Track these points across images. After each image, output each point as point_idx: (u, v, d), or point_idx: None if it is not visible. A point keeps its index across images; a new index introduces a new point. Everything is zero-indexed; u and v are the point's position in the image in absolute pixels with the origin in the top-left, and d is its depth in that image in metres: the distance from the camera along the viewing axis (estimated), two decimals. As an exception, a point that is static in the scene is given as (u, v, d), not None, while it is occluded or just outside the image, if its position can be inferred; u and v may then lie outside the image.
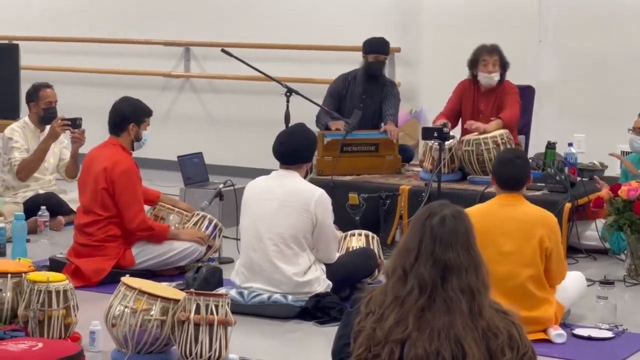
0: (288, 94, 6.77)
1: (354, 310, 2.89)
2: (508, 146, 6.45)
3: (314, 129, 6.45)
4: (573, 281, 5.06)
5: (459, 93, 6.99)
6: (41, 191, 6.93)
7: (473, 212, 4.77)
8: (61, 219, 6.84)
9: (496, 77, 6.81)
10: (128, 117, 5.70)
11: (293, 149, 5.17)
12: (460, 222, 2.82)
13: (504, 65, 6.83)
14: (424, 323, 2.73)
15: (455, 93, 7.01)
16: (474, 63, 6.86)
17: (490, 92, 6.87)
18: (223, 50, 7.04)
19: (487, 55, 6.79)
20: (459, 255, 2.78)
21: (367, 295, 2.86)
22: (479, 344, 2.72)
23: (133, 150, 5.78)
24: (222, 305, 4.15)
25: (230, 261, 5.93)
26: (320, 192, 5.10)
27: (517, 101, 6.84)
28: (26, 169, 6.85)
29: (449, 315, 2.74)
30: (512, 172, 4.80)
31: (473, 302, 2.75)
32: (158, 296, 4.27)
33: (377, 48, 7.24)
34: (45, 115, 6.98)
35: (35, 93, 7.03)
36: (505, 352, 2.73)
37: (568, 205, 6.20)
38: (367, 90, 7.26)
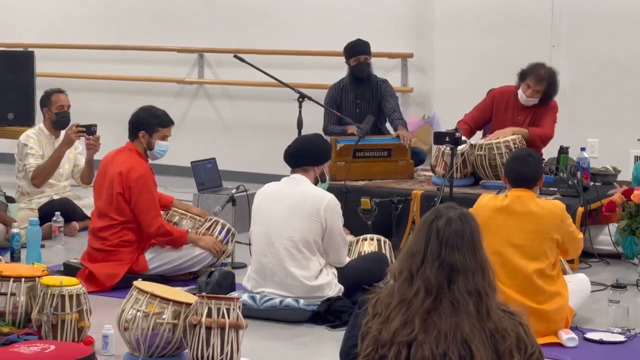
0: (300, 99, 6.80)
1: (361, 312, 2.90)
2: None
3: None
4: (584, 285, 5.08)
5: (490, 103, 6.94)
6: (56, 197, 6.96)
7: (485, 201, 4.82)
8: (75, 224, 6.88)
9: (533, 101, 6.76)
10: (139, 124, 5.72)
11: (300, 151, 5.21)
12: (466, 224, 2.83)
13: (549, 94, 6.74)
14: (430, 325, 2.74)
15: (485, 102, 6.97)
16: (522, 77, 6.77)
17: (530, 106, 6.84)
18: (236, 56, 7.08)
19: (533, 82, 6.70)
20: (465, 257, 2.79)
21: (374, 296, 2.87)
22: (486, 345, 2.72)
23: (147, 157, 5.80)
24: (233, 309, 4.16)
25: (243, 266, 5.96)
26: (330, 197, 5.13)
27: (554, 119, 6.83)
28: (41, 175, 6.89)
29: (455, 317, 2.75)
30: (523, 169, 4.83)
31: (480, 303, 2.76)
32: (170, 300, 4.29)
33: (356, 50, 7.25)
34: (58, 120, 7.03)
35: (47, 98, 7.08)
36: (514, 354, 2.73)
37: (581, 209, 6.20)
38: (359, 95, 7.28)
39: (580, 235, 4.98)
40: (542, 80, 6.72)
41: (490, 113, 6.94)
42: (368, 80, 7.27)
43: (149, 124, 5.71)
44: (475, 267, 2.79)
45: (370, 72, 7.28)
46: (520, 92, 6.77)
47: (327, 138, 6.92)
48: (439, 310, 2.75)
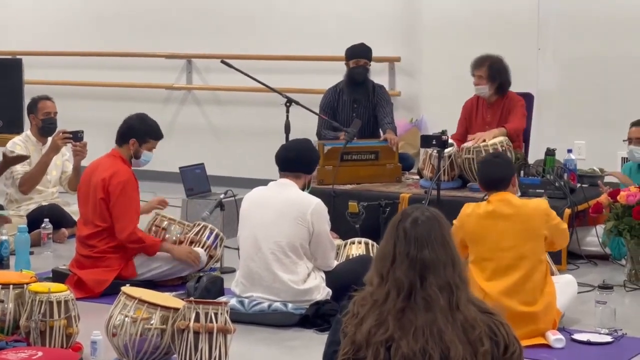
0: (288, 104, 6.82)
1: (343, 313, 2.92)
2: (508, 153, 6.48)
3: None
4: (571, 286, 5.10)
5: (464, 113, 7.08)
6: (44, 203, 6.96)
7: (470, 210, 4.86)
8: (64, 231, 6.87)
9: (484, 89, 6.86)
10: (132, 131, 5.73)
11: (295, 157, 5.23)
12: (434, 221, 2.84)
13: (494, 76, 6.84)
14: (406, 323, 2.76)
15: (461, 114, 7.10)
16: (472, 73, 6.91)
17: (495, 103, 6.93)
18: (223, 62, 7.10)
19: (474, 70, 6.87)
20: (435, 251, 2.80)
21: (356, 295, 2.89)
22: (460, 338, 2.74)
23: (131, 164, 5.79)
24: (221, 313, 4.17)
25: (232, 271, 5.96)
26: (316, 202, 5.14)
27: (524, 113, 6.90)
28: (28, 182, 6.89)
29: (430, 312, 2.76)
30: (492, 171, 4.89)
31: (452, 297, 2.78)
32: (158, 305, 4.30)
33: (356, 53, 7.29)
34: (44, 126, 7.03)
35: (34, 105, 7.09)
36: (484, 342, 2.74)
37: (568, 211, 6.23)
38: (356, 98, 7.32)
39: (565, 226, 5.03)
40: (479, 63, 6.84)
41: (467, 123, 7.04)
42: (364, 84, 7.31)
43: (141, 133, 5.72)
44: (445, 260, 2.80)
45: (367, 77, 7.33)
46: (475, 89, 6.91)
47: (316, 143, 6.98)
48: (412, 308, 2.77)
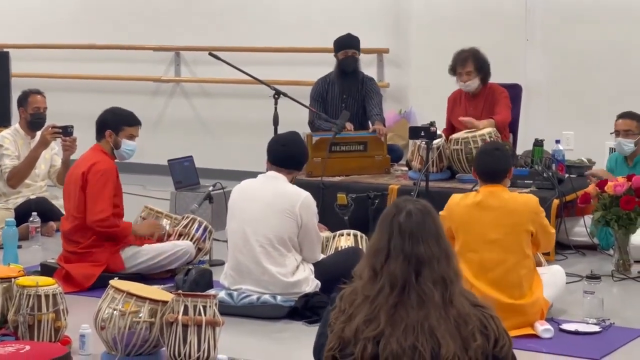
0: (276, 96, 6.81)
1: (333, 306, 2.91)
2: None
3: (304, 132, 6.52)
4: (559, 277, 5.12)
5: (449, 105, 7.08)
6: (32, 197, 6.94)
7: (457, 200, 4.86)
8: (53, 224, 6.86)
9: (472, 84, 6.86)
10: (105, 124, 5.73)
11: (291, 154, 5.23)
12: (427, 215, 2.84)
13: (480, 69, 6.83)
14: (397, 319, 2.74)
15: (447, 107, 7.10)
16: (453, 72, 6.90)
17: (478, 95, 6.93)
18: (211, 54, 7.08)
19: (460, 67, 6.83)
20: (430, 246, 2.79)
21: (343, 289, 2.88)
22: (452, 333, 2.73)
23: (114, 157, 5.78)
24: (210, 306, 4.17)
25: (221, 263, 5.94)
26: (305, 195, 5.15)
27: (508, 105, 6.91)
28: (17, 176, 6.87)
29: (423, 309, 2.75)
30: (490, 162, 4.88)
31: (445, 291, 2.77)
32: (146, 298, 4.29)
33: (344, 44, 7.28)
34: (32, 121, 7.00)
35: (24, 99, 7.06)
36: (477, 337, 2.74)
37: (556, 201, 6.25)
38: (345, 90, 7.32)
39: (553, 231, 5.02)
40: (465, 59, 6.82)
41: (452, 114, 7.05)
42: (354, 75, 7.31)
43: (114, 123, 5.72)
44: (440, 255, 2.80)
45: (357, 67, 7.33)
46: (460, 85, 6.90)
47: (303, 135, 6.97)
48: (405, 304, 2.75)
